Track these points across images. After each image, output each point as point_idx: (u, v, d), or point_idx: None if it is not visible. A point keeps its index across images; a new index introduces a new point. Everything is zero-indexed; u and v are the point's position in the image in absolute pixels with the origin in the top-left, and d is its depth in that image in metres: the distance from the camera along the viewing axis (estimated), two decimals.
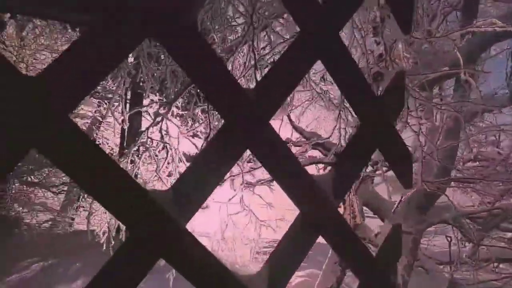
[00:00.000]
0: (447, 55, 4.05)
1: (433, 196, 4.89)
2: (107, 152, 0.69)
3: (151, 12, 0.69)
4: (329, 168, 6.63)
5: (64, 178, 9.00)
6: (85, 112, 8.83)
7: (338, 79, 0.91)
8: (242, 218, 6.10)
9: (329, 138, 3.04)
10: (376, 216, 5.87)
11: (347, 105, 3.05)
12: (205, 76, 0.74)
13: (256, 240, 6.75)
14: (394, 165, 1.03)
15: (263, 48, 3.26)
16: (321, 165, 5.98)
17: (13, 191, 8.99)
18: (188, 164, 0.80)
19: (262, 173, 5.54)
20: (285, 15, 2.97)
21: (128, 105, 8.55)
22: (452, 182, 4.94)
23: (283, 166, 0.84)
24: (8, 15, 6.90)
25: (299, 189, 0.87)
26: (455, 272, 5.19)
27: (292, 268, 0.90)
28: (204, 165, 0.78)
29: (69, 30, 7.30)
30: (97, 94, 8.56)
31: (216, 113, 2.64)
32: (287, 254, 0.89)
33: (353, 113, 3.06)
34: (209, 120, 2.34)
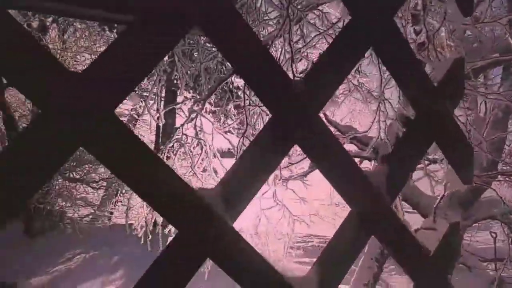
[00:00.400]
0: (494, 41, 3.79)
1: (478, 190, 4.62)
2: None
3: (194, 4, 0.66)
4: (364, 162, 6.44)
5: (103, 174, 9.38)
6: (121, 110, 9.15)
7: (391, 68, 0.84)
8: (276, 212, 6.08)
9: (367, 131, 2.93)
10: (415, 211, 5.64)
11: (387, 96, 2.92)
12: (252, 67, 0.71)
13: (289, 235, 6.70)
14: (452, 158, 0.95)
15: (296, 42, 3.19)
16: (356, 160, 5.83)
17: (57, 187, 9.48)
18: (236, 160, 0.76)
19: (295, 168, 5.47)
20: (320, 7, 2.88)
21: (162, 103, 8.76)
22: (499, 176, 4.65)
23: (334, 162, 0.79)
24: (51, 19, 7.26)
25: (352, 186, 0.82)
26: (502, 270, 4.89)
27: (344, 270, 0.85)
28: (252, 161, 0.74)
29: (107, 32, 7.56)
30: (133, 92, 8.76)
31: (251, 108, 2.62)
32: (338, 255, 0.84)
33: (393, 105, 2.92)
34: (246, 115, 2.32)
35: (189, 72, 4.95)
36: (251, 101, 2.43)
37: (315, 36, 2.37)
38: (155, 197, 0.66)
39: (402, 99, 3.06)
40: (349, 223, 0.86)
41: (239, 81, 7.95)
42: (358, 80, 3.23)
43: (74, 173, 9.23)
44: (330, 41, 2.83)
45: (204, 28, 0.67)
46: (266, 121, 0.76)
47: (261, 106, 2.72)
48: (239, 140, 2.50)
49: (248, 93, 2.39)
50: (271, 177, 5.58)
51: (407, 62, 0.84)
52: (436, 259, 0.98)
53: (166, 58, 5.87)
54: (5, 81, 8.03)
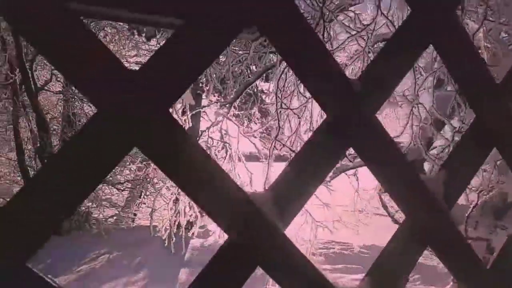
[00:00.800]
0: None
1: None
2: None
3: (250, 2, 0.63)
4: None
5: (128, 176, 9.56)
6: None
7: (452, 66, 0.78)
8: (298, 217, 5.96)
9: (399, 136, 2.83)
10: None
11: (420, 99, 2.82)
12: (309, 66, 0.67)
13: (311, 241, 6.59)
14: None
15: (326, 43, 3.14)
16: None
17: None
18: (288, 163, 0.72)
19: None
20: (352, 8, 2.82)
21: (188, 106, 8.86)
22: None
23: (391, 167, 0.74)
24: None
25: (408, 193, 0.77)
26: None
27: (397, 282, 0.79)
28: (304, 165, 0.70)
29: (136, 36, 7.74)
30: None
31: (282, 111, 2.57)
32: (391, 266, 0.79)
33: (427, 108, 2.81)
34: (278, 118, 2.28)
35: (214, 75, 4.97)
36: (283, 104, 2.40)
37: (348, 37, 2.32)
38: (206, 200, 0.63)
39: (435, 102, 2.94)
40: (403, 232, 0.80)
41: (263, 85, 7.94)
42: None
43: None
44: (362, 43, 2.77)
45: (261, 27, 0.64)
46: (321, 123, 0.71)
47: (293, 109, 2.68)
48: (271, 143, 2.46)
49: (280, 95, 2.36)
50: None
51: (469, 59, 0.78)
52: (495, 273, 0.91)
53: None
54: (37, 85, 8.33)
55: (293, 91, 2.60)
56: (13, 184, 10.44)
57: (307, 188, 0.70)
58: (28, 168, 9.21)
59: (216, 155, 5.00)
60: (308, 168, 0.69)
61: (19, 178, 9.86)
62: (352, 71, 3.52)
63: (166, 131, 0.60)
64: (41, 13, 0.53)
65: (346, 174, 5.54)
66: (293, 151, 2.47)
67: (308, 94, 2.85)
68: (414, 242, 0.79)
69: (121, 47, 7.99)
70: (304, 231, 6.43)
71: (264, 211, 0.64)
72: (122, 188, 10.09)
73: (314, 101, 3.06)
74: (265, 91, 8.44)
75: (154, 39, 7.82)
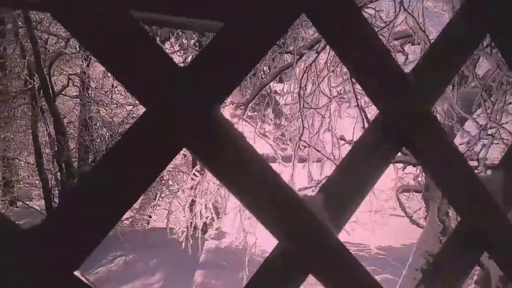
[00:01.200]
0: None
1: None
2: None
3: None
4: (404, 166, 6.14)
5: None
6: None
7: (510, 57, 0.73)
8: None
9: None
10: None
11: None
12: (361, 56, 0.63)
13: None
14: None
15: None
16: (399, 165, 5.59)
17: None
18: (339, 163, 0.69)
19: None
20: (371, 5, 2.76)
21: None
22: None
23: (447, 166, 0.69)
24: None
25: (465, 194, 0.72)
26: None
27: None
28: (356, 166, 0.66)
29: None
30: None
31: (304, 111, 2.54)
32: (446, 273, 0.73)
33: (451, 105, 2.73)
34: (302, 118, 2.24)
35: None
36: (305, 104, 2.36)
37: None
38: (257, 204, 0.59)
39: (459, 99, 2.86)
40: (458, 236, 0.75)
41: (277, 86, 7.91)
42: None
43: None
44: (383, 40, 2.71)
45: (311, 15, 0.60)
46: (372, 120, 0.67)
47: (316, 108, 2.64)
48: (296, 143, 2.43)
49: (302, 94, 2.32)
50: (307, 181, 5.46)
51: None
52: None
53: None
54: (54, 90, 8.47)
55: (314, 90, 2.57)
56: (32, 188, 10.65)
57: (359, 191, 0.66)
58: (46, 171, 9.38)
59: None
60: (360, 169, 0.65)
61: (37, 182, 10.06)
62: None
63: (217, 131, 0.57)
64: (104, 18, 0.51)
65: None
66: (319, 151, 2.44)
67: (330, 93, 2.81)
68: (470, 247, 0.74)
69: None
70: None
71: (317, 215, 0.61)
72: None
73: (333, 100, 3.02)
74: (279, 92, 8.40)
75: (168, 42, 7.88)
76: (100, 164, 0.55)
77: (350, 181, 0.66)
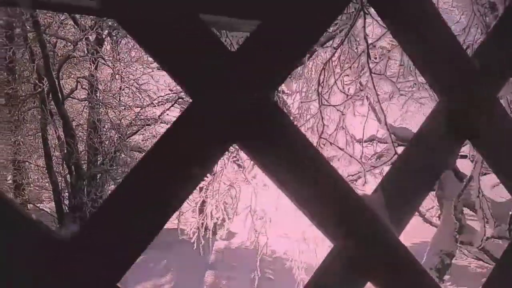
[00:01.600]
0: None
1: None
2: None
3: None
4: None
5: None
6: (169, 118, 9.45)
7: None
8: None
9: None
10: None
11: None
12: (422, 40, 0.59)
13: None
14: None
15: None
16: None
17: (109, 192, 9.93)
18: (396, 159, 0.63)
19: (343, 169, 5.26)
20: None
21: None
22: None
23: None
24: (106, 32, 7.65)
25: None
26: None
27: None
28: (415, 162, 0.62)
29: None
30: (181, 99, 9.10)
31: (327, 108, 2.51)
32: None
33: None
34: (322, 116, 2.22)
35: None
36: (326, 101, 2.34)
37: (386, 31, 2.23)
38: (313, 204, 0.56)
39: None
40: None
41: (284, 85, 7.87)
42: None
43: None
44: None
45: (373, 2, 0.58)
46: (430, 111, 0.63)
47: (335, 105, 2.61)
48: (316, 142, 2.40)
49: (320, 91, 2.29)
50: None
51: None
52: None
53: None
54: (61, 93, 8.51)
55: (332, 86, 2.55)
56: (42, 190, 10.72)
57: (419, 189, 0.61)
58: (56, 173, 9.45)
59: (242, 157, 4.98)
60: (421, 166, 0.61)
61: (47, 184, 10.12)
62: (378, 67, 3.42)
63: (270, 123, 0.52)
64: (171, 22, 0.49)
65: (372, 173, 5.41)
66: (341, 149, 2.40)
67: (348, 91, 2.78)
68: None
69: (143, 53, 8.13)
70: None
71: (378, 216, 0.58)
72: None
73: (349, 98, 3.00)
74: (286, 92, 8.35)
75: None
76: (140, 166, 0.50)
77: (411, 179, 0.61)
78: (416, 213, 6.23)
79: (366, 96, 2.85)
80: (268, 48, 0.52)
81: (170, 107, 9.27)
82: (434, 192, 4.97)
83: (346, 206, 0.57)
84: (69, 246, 0.48)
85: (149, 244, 0.52)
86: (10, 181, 10.77)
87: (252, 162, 4.60)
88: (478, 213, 3.30)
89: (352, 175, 3.07)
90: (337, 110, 2.59)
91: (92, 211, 9.16)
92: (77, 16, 7.71)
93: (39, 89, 8.38)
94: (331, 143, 2.29)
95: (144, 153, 0.54)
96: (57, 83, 7.93)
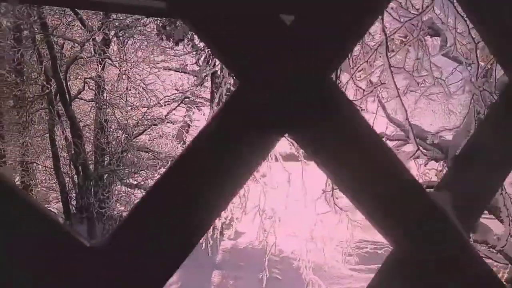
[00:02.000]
0: None
1: None
2: None
3: None
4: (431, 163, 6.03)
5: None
6: (175, 117, 9.45)
7: None
8: (332, 216, 5.89)
9: (458, 127, 2.69)
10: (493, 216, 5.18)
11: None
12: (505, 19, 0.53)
13: (348, 241, 6.45)
14: None
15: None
16: (421, 160, 5.50)
17: (116, 192, 9.95)
18: (459, 151, 0.57)
19: None
20: None
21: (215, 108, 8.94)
22: None
23: None
24: (113, 32, 7.68)
25: None
26: None
27: None
28: (484, 154, 0.56)
29: (164, 41, 7.86)
30: (187, 99, 9.10)
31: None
32: None
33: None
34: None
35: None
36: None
37: (406, 21, 2.20)
38: (375, 201, 0.50)
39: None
40: None
41: None
42: (441, 72, 2.99)
43: (132, 179, 9.63)
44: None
45: None
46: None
47: (354, 100, 2.58)
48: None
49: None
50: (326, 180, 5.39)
51: None
52: None
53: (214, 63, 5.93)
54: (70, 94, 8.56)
55: (347, 81, 2.51)
56: (50, 191, 10.79)
57: (491, 184, 0.56)
58: (64, 174, 9.50)
59: None
60: (489, 159, 0.55)
61: (55, 185, 10.19)
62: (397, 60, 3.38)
63: (331, 109, 0.45)
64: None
65: None
66: None
67: (356, 86, 2.75)
68: None
69: (150, 53, 8.15)
70: (338, 230, 6.29)
71: (448, 214, 0.51)
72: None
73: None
74: None
75: (182, 44, 7.91)
76: (180, 162, 0.45)
77: (480, 175, 0.56)
78: None
79: (397, 89, 2.77)
80: (326, 23, 0.46)
81: (176, 106, 9.28)
82: None
83: (415, 205, 0.51)
84: (103, 253, 0.43)
85: (193, 248, 0.45)
86: (18, 182, 10.85)
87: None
88: (502, 211, 3.24)
89: None
90: (357, 106, 2.55)
91: (98, 210, 9.18)
92: (84, 17, 7.74)
93: (47, 91, 8.44)
94: None
95: (184, 148, 0.49)
96: (64, 84, 7.97)
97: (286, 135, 0.48)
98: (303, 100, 0.45)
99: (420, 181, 5.66)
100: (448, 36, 2.97)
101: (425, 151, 4.07)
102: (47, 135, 9.12)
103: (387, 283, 0.52)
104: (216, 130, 0.45)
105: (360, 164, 0.49)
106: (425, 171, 5.54)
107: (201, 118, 9.72)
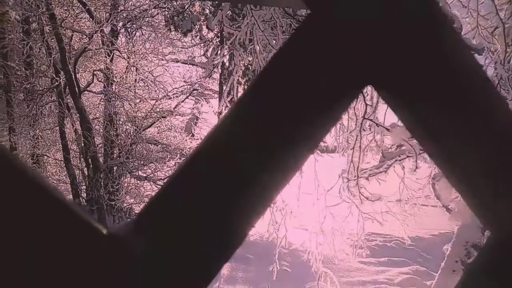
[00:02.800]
0: None
1: None
2: None
3: None
4: None
5: (169, 172, 9.71)
6: (184, 109, 9.44)
7: None
8: (343, 209, 5.85)
9: None
10: None
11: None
12: None
13: (359, 234, 6.41)
14: None
15: None
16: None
17: (126, 185, 10.01)
18: None
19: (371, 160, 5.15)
20: None
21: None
22: None
23: None
24: (120, 24, 7.64)
25: None
26: None
27: None
28: None
29: (172, 32, 7.81)
30: (195, 91, 9.06)
31: None
32: None
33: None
34: (364, 96, 2.12)
35: (246, 64, 4.85)
36: None
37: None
38: (486, 173, 0.38)
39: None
40: None
41: None
42: None
43: (141, 171, 9.68)
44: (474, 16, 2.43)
45: None
46: None
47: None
48: (361, 122, 2.28)
49: None
50: (339, 171, 5.32)
51: None
52: None
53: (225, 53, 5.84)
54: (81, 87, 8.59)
55: None
56: (60, 183, 10.91)
57: None
58: (74, 167, 9.57)
59: None
60: None
61: (65, 177, 10.29)
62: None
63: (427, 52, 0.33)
64: None
65: (389, 163, 5.30)
66: (389, 130, 2.24)
67: None
68: None
69: (158, 44, 8.11)
70: (348, 223, 6.24)
71: None
72: (162, 185, 10.28)
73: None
74: None
75: (190, 35, 7.84)
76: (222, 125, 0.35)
77: None
78: (438, 203, 6.08)
79: None
80: None
81: (184, 99, 9.26)
82: None
83: None
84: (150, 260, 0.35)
85: (243, 242, 0.37)
86: None
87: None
88: None
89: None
90: (363, 99, 2.46)
91: (108, 202, 9.24)
92: (92, 8, 7.71)
93: (56, 83, 8.47)
94: (377, 124, 2.13)
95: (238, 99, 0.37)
96: (73, 76, 7.99)
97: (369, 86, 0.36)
98: (396, 40, 0.32)
99: (433, 173, 5.55)
100: (463, 23, 2.85)
101: None
102: (57, 128, 9.17)
103: (485, 276, 0.42)
104: (290, 72, 0.33)
105: (469, 129, 0.37)
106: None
107: (209, 110, 9.69)
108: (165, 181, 0.38)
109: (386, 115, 4.45)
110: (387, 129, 2.25)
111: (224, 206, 0.35)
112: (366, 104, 2.18)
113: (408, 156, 4.35)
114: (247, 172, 0.35)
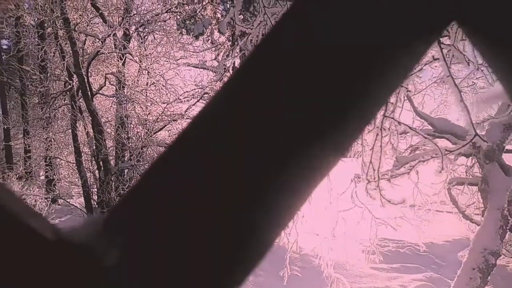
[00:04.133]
0: None
1: None
2: None
3: None
4: (460, 159, 5.79)
5: None
6: (195, 113, 9.46)
7: None
8: (354, 214, 5.75)
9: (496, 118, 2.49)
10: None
11: None
12: None
13: (372, 239, 6.29)
14: None
15: None
16: (450, 156, 5.28)
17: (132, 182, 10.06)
18: None
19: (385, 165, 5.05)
20: None
21: None
22: None
23: None
24: (133, 27, 7.69)
25: None
26: None
27: None
28: None
29: (184, 36, 7.86)
30: (206, 95, 9.10)
31: None
32: None
33: None
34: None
35: None
36: None
37: None
38: None
39: None
40: None
41: None
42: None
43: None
44: None
45: None
46: None
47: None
48: (381, 121, 2.21)
49: None
50: (351, 176, 5.24)
51: None
52: None
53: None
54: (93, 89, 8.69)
55: None
56: (72, 186, 11.03)
57: None
58: (85, 169, 9.66)
59: None
60: None
61: (77, 180, 10.39)
62: None
63: None
64: None
65: (404, 167, 5.19)
66: (413, 129, 2.18)
67: None
68: None
69: (170, 48, 8.16)
70: (361, 229, 6.13)
71: None
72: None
73: None
74: None
75: (201, 39, 7.87)
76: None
77: None
78: (454, 209, 5.94)
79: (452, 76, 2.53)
80: None
81: (195, 102, 9.28)
82: (477, 187, 4.70)
83: None
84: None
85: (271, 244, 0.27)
86: (43, 177, 11.13)
87: None
88: None
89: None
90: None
91: (116, 197, 9.24)
92: (105, 13, 7.81)
93: (69, 86, 8.58)
94: (399, 122, 2.05)
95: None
96: (86, 79, 8.08)
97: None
98: None
99: (449, 178, 5.42)
100: None
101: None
102: (70, 130, 9.28)
103: None
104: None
105: None
106: (455, 167, 5.30)
107: None
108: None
109: (400, 117, 4.37)
110: (411, 128, 2.19)
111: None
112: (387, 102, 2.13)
113: (432, 157, 4.24)
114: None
